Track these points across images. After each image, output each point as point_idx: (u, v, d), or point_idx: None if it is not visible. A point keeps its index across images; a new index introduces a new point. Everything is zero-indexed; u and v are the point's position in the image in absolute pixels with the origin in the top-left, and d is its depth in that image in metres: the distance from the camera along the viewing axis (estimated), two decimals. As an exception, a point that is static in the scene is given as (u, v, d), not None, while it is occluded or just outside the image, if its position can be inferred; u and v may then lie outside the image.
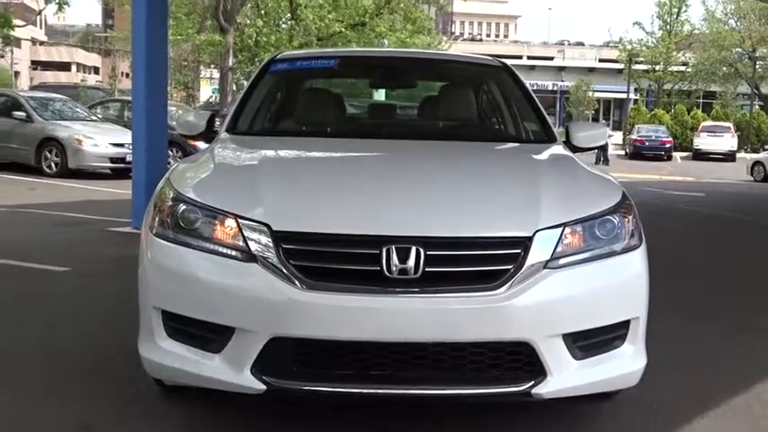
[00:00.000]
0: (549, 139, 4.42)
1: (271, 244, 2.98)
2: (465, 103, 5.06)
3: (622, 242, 3.24)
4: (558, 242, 3.07)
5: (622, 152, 39.16)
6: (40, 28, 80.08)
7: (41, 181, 14.40)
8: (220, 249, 3.06)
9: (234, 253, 3.03)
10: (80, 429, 3.43)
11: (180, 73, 39.89)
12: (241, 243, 3.02)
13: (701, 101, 54.15)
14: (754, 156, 30.22)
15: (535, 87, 60.31)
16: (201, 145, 4.42)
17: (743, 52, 49.88)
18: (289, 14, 31.21)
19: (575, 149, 4.38)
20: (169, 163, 10.93)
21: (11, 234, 8.65)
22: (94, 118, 17.64)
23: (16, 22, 31.41)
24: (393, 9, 31.45)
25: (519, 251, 3.00)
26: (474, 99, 5.21)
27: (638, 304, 3.26)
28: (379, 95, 12.32)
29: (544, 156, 4.16)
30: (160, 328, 3.16)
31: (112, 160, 15.33)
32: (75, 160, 15.24)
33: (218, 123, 4.70)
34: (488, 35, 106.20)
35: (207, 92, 47.42)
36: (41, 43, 79.57)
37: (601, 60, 67.65)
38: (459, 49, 57.12)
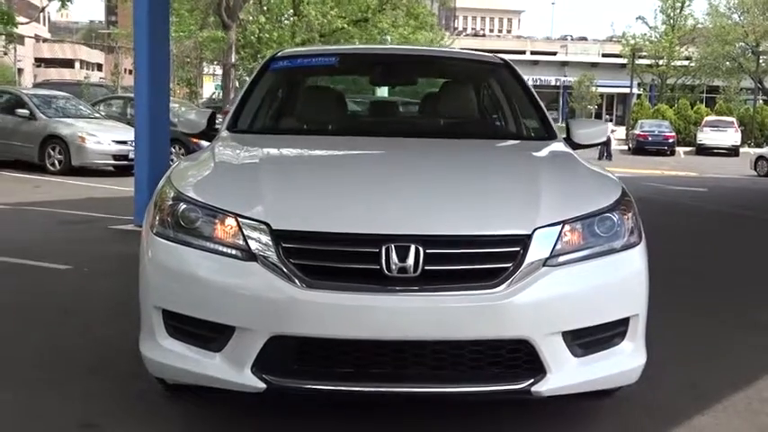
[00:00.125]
0: (550, 136, 4.42)
1: (270, 243, 2.99)
2: (465, 100, 5.07)
3: (622, 239, 3.25)
4: (557, 240, 3.08)
5: (625, 147, 39.10)
6: (44, 25, 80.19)
7: (45, 178, 14.42)
8: (220, 248, 3.07)
9: (234, 252, 3.04)
10: (83, 427, 3.44)
11: (182, 70, 39.88)
12: (241, 242, 3.04)
13: (705, 96, 54.10)
14: (758, 150, 30.18)
15: (538, 83, 60.38)
16: (204, 142, 4.44)
17: (746, 47, 49.74)
18: (291, 11, 31.21)
19: (575, 146, 4.39)
20: (172, 160, 10.95)
21: (14, 232, 8.68)
22: (97, 115, 17.66)
23: (20, 19, 31.45)
24: (395, 5, 31.44)
25: (518, 249, 3.01)
26: (474, 96, 5.22)
27: (637, 301, 3.27)
28: (381, 92, 12.33)
29: (544, 153, 4.16)
30: (161, 327, 3.17)
31: (115, 157, 15.35)
32: (79, 158, 15.28)
33: (219, 120, 4.71)
34: (491, 30, 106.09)
35: (210, 88, 47.47)
36: (45, 40, 79.65)
37: (604, 55, 67.63)
38: (461, 45, 57.12)
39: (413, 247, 2.93)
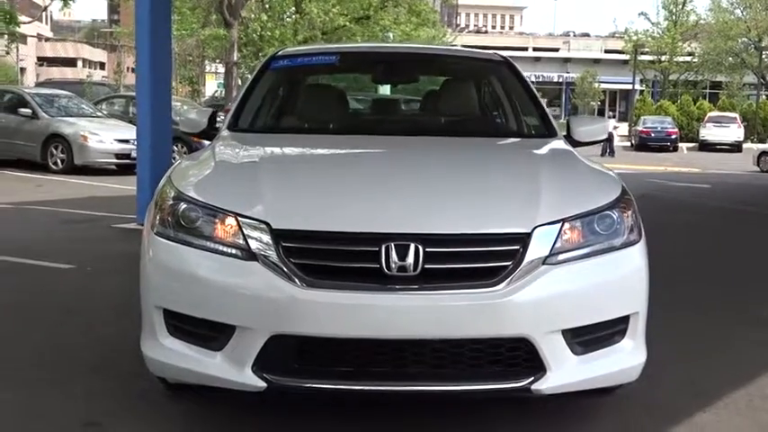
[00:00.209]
0: (550, 133, 4.41)
1: (270, 242, 2.99)
2: (466, 98, 5.08)
3: (622, 237, 3.25)
4: (556, 238, 3.08)
5: (628, 143, 39.06)
6: (46, 24, 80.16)
7: (47, 177, 14.44)
8: (221, 248, 3.08)
9: (234, 251, 3.05)
10: (85, 426, 3.46)
11: (185, 68, 39.90)
12: (241, 241, 3.04)
13: (708, 91, 54.00)
14: (761, 146, 30.13)
15: (540, 79, 60.38)
16: (207, 141, 4.46)
17: (749, 42, 49.65)
18: (293, 8, 31.18)
19: (576, 144, 4.39)
20: (174, 158, 10.96)
21: (16, 231, 8.70)
22: (100, 114, 17.69)
23: (22, 18, 31.48)
24: (398, 2, 31.39)
25: (518, 247, 3.02)
26: (475, 94, 5.22)
27: (637, 299, 3.27)
28: (384, 89, 12.32)
29: (544, 151, 4.16)
30: (162, 326, 3.18)
31: (118, 156, 15.38)
32: (81, 157, 15.30)
33: (221, 118, 4.71)
34: (494, 27, 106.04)
35: (212, 86, 47.50)
36: (47, 39, 79.68)
37: (606, 51, 67.52)
38: (464, 42, 57.04)
39: (412, 246, 2.94)
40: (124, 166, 14.88)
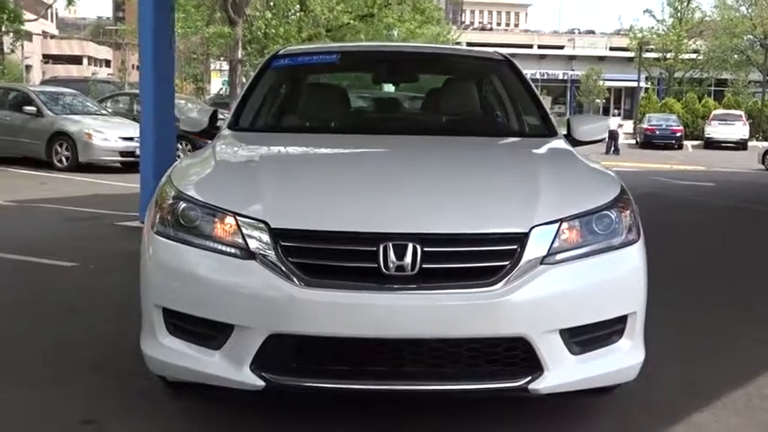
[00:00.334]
0: (550, 133, 4.42)
1: (269, 241, 3.01)
2: (467, 97, 5.08)
3: (620, 237, 3.26)
4: (554, 238, 3.09)
5: (633, 141, 38.98)
6: (51, 21, 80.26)
7: (52, 175, 14.48)
8: (220, 247, 3.09)
9: (233, 250, 3.06)
10: (84, 424, 3.47)
11: (189, 66, 39.92)
12: (240, 240, 3.05)
13: (713, 89, 53.83)
14: (766, 144, 30.01)
15: (545, 77, 60.30)
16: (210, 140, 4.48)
17: (754, 39, 49.47)
18: (297, 6, 31.19)
19: (576, 143, 4.40)
20: (178, 156, 10.95)
21: (20, 229, 8.72)
22: (104, 112, 17.75)
23: (28, 15, 31.54)
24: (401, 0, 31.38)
25: (515, 247, 3.02)
26: (475, 93, 5.22)
27: (635, 299, 3.28)
28: (387, 86, 12.28)
29: (543, 150, 4.17)
30: (161, 325, 3.20)
31: (122, 154, 15.41)
32: (86, 154, 15.34)
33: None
34: (498, 24, 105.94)
35: (217, 84, 47.50)
36: (52, 37, 79.80)
37: (611, 49, 67.40)
38: (468, 39, 57.05)
39: (410, 246, 2.94)
40: (128, 164, 14.89)
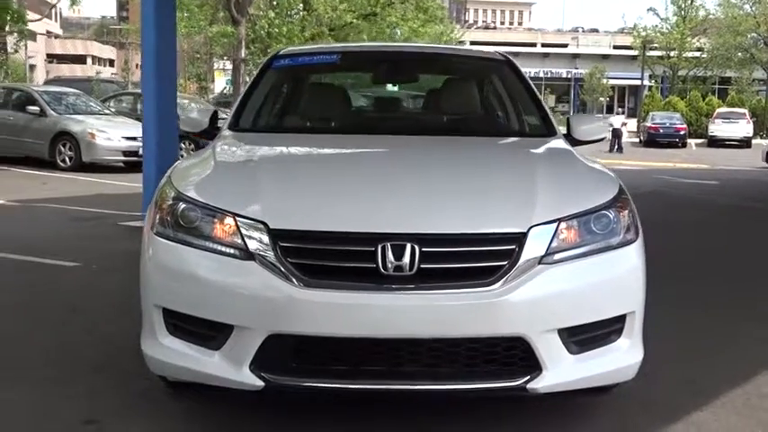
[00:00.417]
0: (550, 132, 4.43)
1: (268, 242, 3.02)
2: (467, 97, 5.09)
3: (618, 237, 3.27)
4: (552, 238, 3.10)
5: (637, 139, 38.94)
6: (56, 21, 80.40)
7: (55, 175, 14.51)
8: (219, 248, 3.10)
9: (232, 251, 3.08)
10: (86, 424, 3.49)
11: (193, 65, 39.96)
12: (239, 241, 3.07)
13: (717, 87, 53.78)
14: (770, 142, 29.97)
15: (549, 75, 60.31)
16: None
17: (758, 37, 49.31)
18: (301, 5, 31.18)
19: (576, 143, 4.41)
20: (182, 155, 10.98)
21: (23, 229, 8.75)
22: (107, 111, 17.78)
23: (31, 15, 31.59)
24: (405, -2, 31.33)
25: (513, 247, 3.03)
26: (475, 93, 5.22)
27: (634, 298, 3.29)
28: (389, 86, 12.28)
29: (542, 150, 4.18)
30: (161, 325, 3.22)
31: (125, 153, 15.45)
32: (89, 154, 15.39)
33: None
34: (502, 23, 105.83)
35: (221, 83, 47.53)
36: (56, 36, 79.90)
37: (615, 47, 67.35)
38: (472, 37, 56.99)
39: (408, 246, 2.96)
40: (132, 164, 14.92)
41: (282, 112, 5.07)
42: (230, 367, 3.04)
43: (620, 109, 53.17)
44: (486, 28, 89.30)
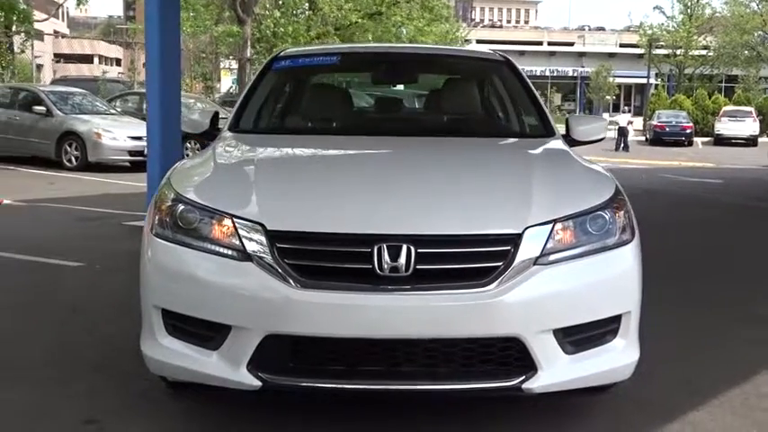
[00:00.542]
0: (548, 133, 4.44)
1: (265, 243, 3.04)
2: (465, 98, 5.10)
3: (614, 237, 3.28)
4: (548, 238, 3.11)
5: (643, 138, 38.86)
6: (63, 20, 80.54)
7: (61, 175, 14.57)
8: (217, 249, 3.13)
9: (230, 252, 3.10)
10: (86, 423, 3.52)
11: (198, 65, 40.02)
12: (237, 242, 3.10)
13: (723, 85, 53.63)
14: (777, 140, 29.87)
15: (555, 73, 60.22)
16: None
17: (765, 35, 49.20)
18: (306, 5, 31.24)
19: (575, 143, 4.42)
20: (187, 155, 10.99)
21: (29, 229, 8.80)
22: (113, 111, 17.84)
23: (38, 15, 31.67)
24: (410, -3, 31.34)
25: (509, 248, 3.05)
26: (475, 94, 5.23)
27: (629, 299, 3.30)
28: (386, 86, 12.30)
29: (539, 151, 4.19)
30: (160, 326, 3.24)
31: (131, 153, 15.50)
32: (95, 154, 15.46)
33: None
34: (509, 21, 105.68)
35: (228, 83, 47.60)
36: (63, 36, 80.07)
37: (621, 45, 67.25)
38: (478, 36, 56.93)
39: (404, 247, 2.98)
40: (137, 163, 14.93)
41: (282, 113, 5.10)
42: (228, 367, 3.06)
43: (626, 107, 52.98)
44: (493, 26, 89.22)
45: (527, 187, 3.40)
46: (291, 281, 2.98)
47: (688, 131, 36.44)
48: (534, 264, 3.07)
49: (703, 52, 50.99)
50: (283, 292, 2.97)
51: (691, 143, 36.20)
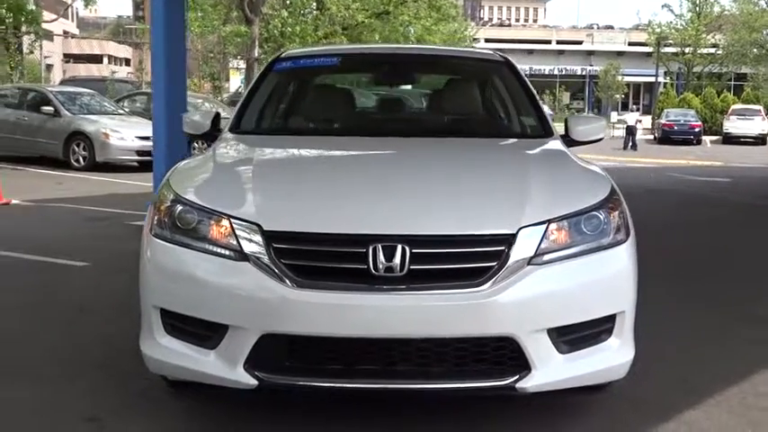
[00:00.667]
0: (547, 133, 4.46)
1: (262, 243, 3.08)
2: (465, 98, 5.12)
3: (608, 237, 3.30)
4: (542, 239, 3.14)
5: (651, 137, 38.75)
6: (72, 21, 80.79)
7: (69, 175, 14.64)
8: (215, 249, 3.17)
9: (227, 252, 3.14)
10: (87, 421, 3.56)
11: (206, 65, 40.10)
12: (234, 243, 3.13)
13: (732, 83, 53.38)
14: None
15: (564, 72, 60.13)
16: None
17: (774, 33, 48.96)
18: (314, 4, 31.25)
19: (574, 143, 4.44)
20: (195, 154, 11.00)
21: (37, 229, 8.85)
22: (121, 111, 17.91)
23: (48, 15, 31.80)
24: (417, -4, 31.32)
25: (503, 248, 3.08)
26: (475, 95, 5.23)
27: (624, 298, 3.32)
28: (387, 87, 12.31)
29: (536, 151, 4.22)
30: (159, 325, 3.29)
31: (139, 153, 15.53)
32: (103, 154, 15.52)
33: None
34: (517, 20, 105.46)
35: (236, 82, 47.69)
36: (73, 36, 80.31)
37: (630, 44, 67.06)
38: (487, 35, 56.88)
39: (399, 247, 3.01)
40: (145, 163, 14.94)
41: (283, 114, 5.12)
42: (225, 366, 3.10)
43: (634, 106, 52.93)
44: (501, 25, 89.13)
45: (522, 187, 3.43)
46: (288, 281, 3.02)
47: (696, 130, 36.27)
48: (528, 264, 3.09)
49: (712, 50, 50.75)
50: (279, 292, 3.00)
51: (699, 142, 36.04)
